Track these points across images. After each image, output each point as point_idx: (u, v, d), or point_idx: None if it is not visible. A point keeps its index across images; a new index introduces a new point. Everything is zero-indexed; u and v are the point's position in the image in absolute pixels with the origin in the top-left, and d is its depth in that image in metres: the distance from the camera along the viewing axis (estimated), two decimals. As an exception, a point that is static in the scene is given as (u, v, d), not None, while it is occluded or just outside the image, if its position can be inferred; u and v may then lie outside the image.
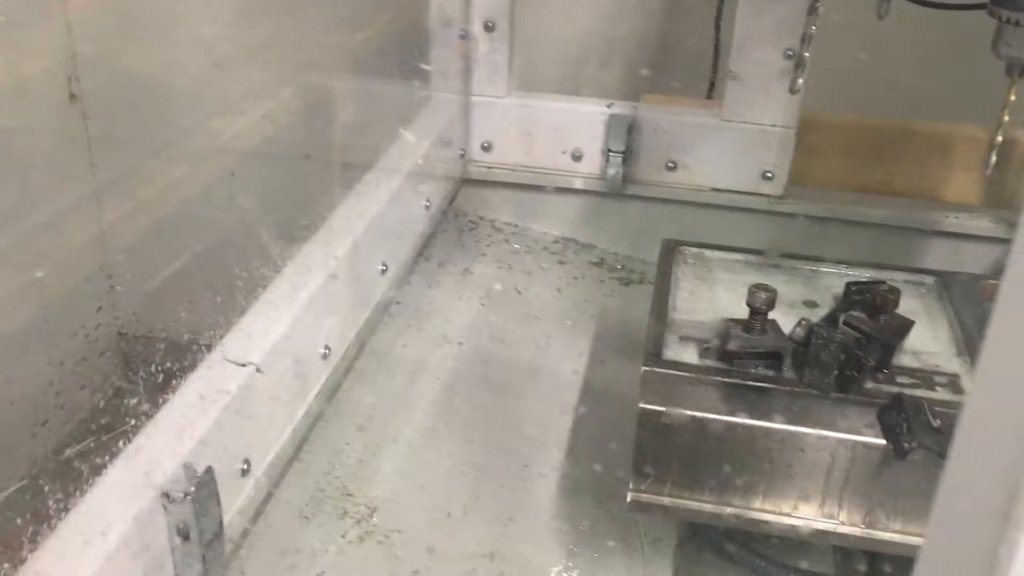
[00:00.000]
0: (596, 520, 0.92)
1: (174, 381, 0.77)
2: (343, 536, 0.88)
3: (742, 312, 0.80)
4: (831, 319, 0.80)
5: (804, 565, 0.85)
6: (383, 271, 1.10)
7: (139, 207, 1.26)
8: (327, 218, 1.03)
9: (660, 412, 0.73)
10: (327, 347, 0.95)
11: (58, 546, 0.61)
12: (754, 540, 0.84)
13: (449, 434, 1.02)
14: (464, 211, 1.41)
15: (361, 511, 0.92)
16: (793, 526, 0.74)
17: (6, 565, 0.58)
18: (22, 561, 0.59)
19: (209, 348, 0.81)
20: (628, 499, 0.75)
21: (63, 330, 1.18)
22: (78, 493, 0.64)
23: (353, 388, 1.05)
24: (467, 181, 1.39)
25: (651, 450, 0.74)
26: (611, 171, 1.31)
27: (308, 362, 0.92)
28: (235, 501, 0.80)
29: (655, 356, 0.78)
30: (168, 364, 0.91)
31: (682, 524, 0.90)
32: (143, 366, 1.09)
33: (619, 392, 1.08)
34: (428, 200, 1.25)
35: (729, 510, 0.74)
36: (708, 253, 0.97)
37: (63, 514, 0.63)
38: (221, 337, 0.82)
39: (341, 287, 0.98)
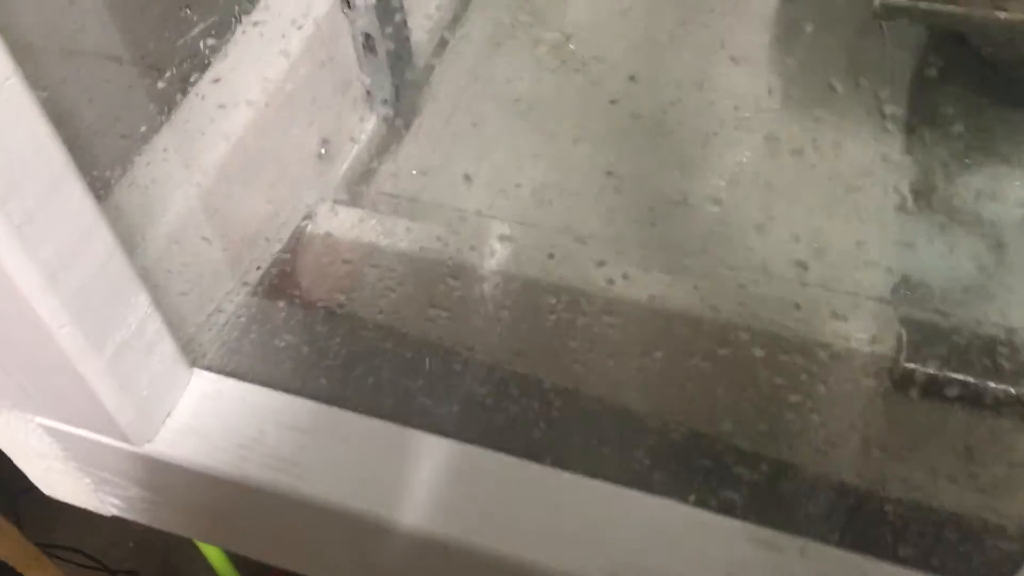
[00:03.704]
0: (812, 60, 0.80)
1: None
2: (537, 64, 0.82)
3: None
4: None
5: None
6: None
7: None
8: None
9: None
10: None
11: (238, 51, 0.58)
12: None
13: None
14: None
15: (556, 38, 0.84)
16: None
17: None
18: (205, 67, 0.56)
19: None
20: (876, 2, 0.63)
21: None
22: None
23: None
24: None
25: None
26: None
27: None
28: (420, 20, 0.74)
29: None
30: None
31: (921, 61, 0.77)
32: None
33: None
34: None
35: (1001, 15, 0.60)
36: None
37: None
38: None
39: None
